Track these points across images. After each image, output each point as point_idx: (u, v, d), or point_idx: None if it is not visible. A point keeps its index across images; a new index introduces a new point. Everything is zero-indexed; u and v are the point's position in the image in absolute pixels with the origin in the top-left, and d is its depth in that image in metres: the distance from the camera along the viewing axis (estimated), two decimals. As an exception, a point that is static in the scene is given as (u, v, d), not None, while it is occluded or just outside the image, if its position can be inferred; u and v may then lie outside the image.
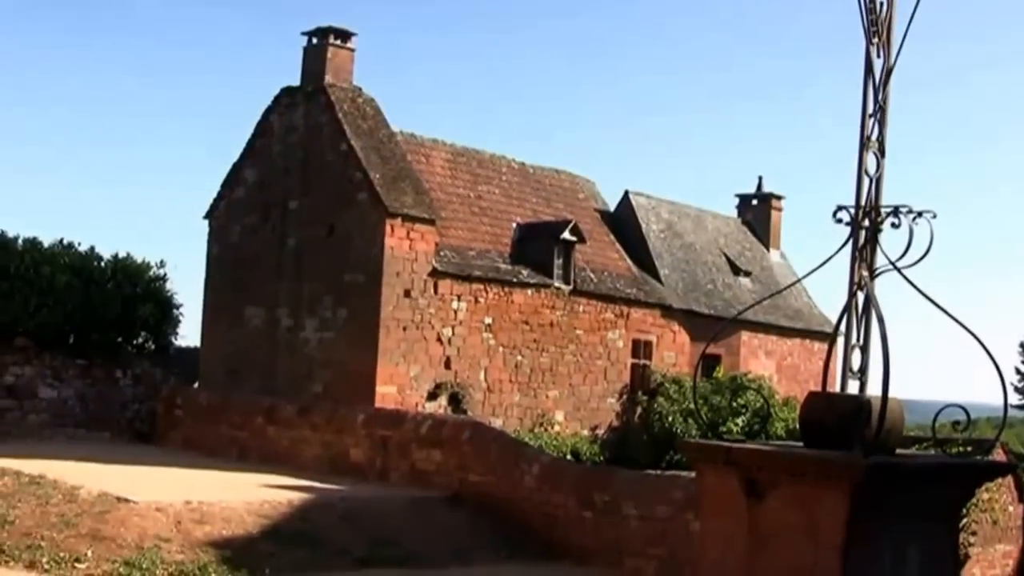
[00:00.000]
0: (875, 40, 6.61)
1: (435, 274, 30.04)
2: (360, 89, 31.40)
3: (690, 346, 36.70)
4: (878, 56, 6.62)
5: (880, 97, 6.60)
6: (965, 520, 21.73)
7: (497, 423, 29.28)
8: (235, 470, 22.54)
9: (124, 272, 28.79)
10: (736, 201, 45.48)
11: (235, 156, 32.83)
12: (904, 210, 6.41)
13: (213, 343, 32.54)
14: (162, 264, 29.94)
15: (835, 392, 6.52)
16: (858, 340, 6.45)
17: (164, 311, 29.51)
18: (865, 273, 6.47)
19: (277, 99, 32.05)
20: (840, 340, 6.58)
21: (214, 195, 33.18)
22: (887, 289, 6.61)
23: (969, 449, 15.10)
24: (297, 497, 19.27)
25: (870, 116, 6.59)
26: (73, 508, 16.78)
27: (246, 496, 18.75)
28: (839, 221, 6.56)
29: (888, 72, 6.62)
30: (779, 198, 45.10)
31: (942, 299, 6.48)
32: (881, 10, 6.59)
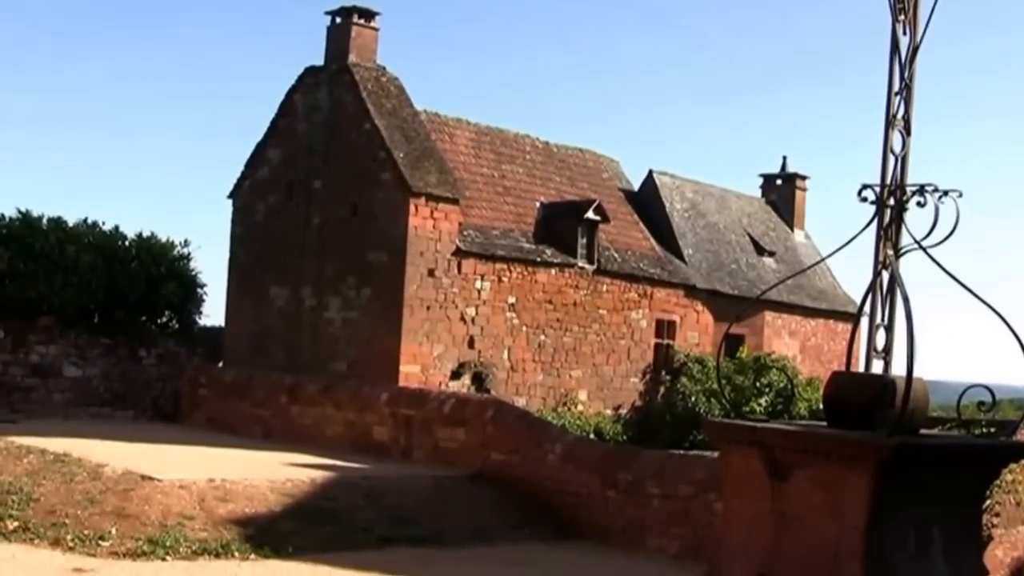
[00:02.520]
0: (901, 17, 6.56)
1: (459, 253, 30.04)
2: (384, 68, 31.38)
3: (713, 326, 36.65)
4: (904, 34, 6.57)
5: (906, 75, 6.55)
6: (989, 502, 21.64)
7: (520, 402, 29.27)
8: (259, 448, 22.59)
9: (148, 251, 28.84)
10: (760, 181, 45.37)
11: (259, 136, 32.90)
12: (930, 188, 6.37)
13: (237, 322, 32.63)
14: (186, 243, 29.98)
15: (859, 372, 6.49)
16: (883, 319, 6.41)
17: (188, 290, 29.55)
18: (890, 252, 6.43)
19: (301, 79, 32.05)
20: (865, 319, 6.55)
21: (238, 175, 33.25)
22: (912, 268, 6.57)
23: (993, 430, 15.05)
24: (320, 475, 19.31)
25: (896, 94, 6.55)
26: (97, 486, 16.85)
27: (269, 474, 18.79)
28: (864, 200, 6.52)
29: (914, 50, 6.57)
30: (803, 178, 44.97)
31: (967, 278, 6.43)
32: (908, -13, 6.54)
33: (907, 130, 6.53)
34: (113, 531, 15.44)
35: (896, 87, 6.54)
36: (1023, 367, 6.23)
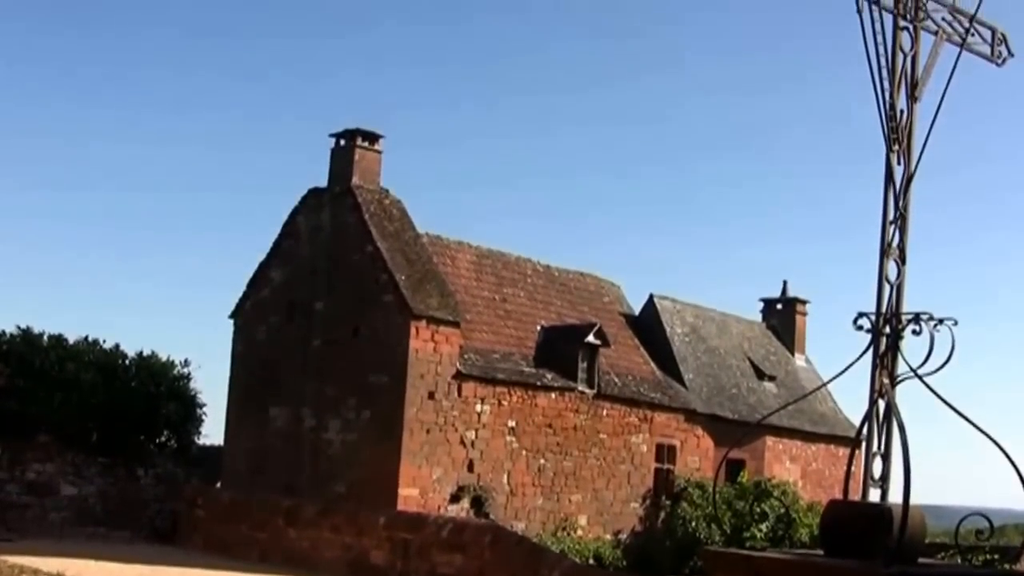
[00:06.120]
0: (895, 148, 6.64)
1: (459, 376, 30.01)
2: (387, 191, 31.61)
3: (714, 451, 36.46)
4: (898, 163, 6.65)
5: (901, 204, 6.61)
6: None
7: (520, 527, 29.05)
8: (254, 571, 22.38)
9: (148, 370, 28.87)
10: (761, 305, 45.44)
11: (261, 256, 33.04)
12: (925, 317, 6.39)
13: (237, 442, 32.47)
14: (186, 363, 30.06)
15: (856, 500, 6.47)
16: (879, 448, 6.41)
17: (187, 410, 29.54)
18: (886, 380, 6.43)
19: (304, 200, 32.27)
20: (863, 447, 6.54)
21: (240, 295, 33.33)
22: (909, 393, 6.57)
23: (996, 557, 14.91)
24: (316, 599, 19.11)
25: (891, 223, 6.60)
26: (91, 608, 16.69)
27: (265, 598, 18.61)
28: (860, 328, 6.54)
29: (908, 179, 6.64)
30: (804, 302, 45.05)
31: (963, 404, 6.43)
32: (901, 118, 6.63)
33: (902, 259, 6.58)
34: (105, 654, 15.26)
35: (891, 216, 6.59)
36: (1021, 491, 6.20)
